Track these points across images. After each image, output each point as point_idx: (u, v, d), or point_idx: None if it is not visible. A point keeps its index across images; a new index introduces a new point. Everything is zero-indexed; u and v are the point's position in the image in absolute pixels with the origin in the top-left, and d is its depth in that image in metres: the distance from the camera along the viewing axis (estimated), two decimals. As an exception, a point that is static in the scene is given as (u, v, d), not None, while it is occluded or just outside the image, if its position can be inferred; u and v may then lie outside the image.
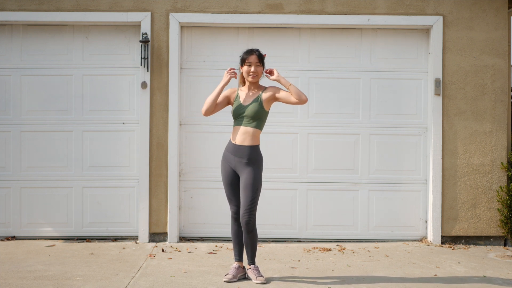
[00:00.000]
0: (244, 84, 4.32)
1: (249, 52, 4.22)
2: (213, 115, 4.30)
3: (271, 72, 4.25)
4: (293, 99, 4.14)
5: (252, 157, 4.16)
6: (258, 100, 4.18)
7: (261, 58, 4.21)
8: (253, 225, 4.15)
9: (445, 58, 5.61)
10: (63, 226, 5.68)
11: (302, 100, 4.12)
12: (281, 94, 4.20)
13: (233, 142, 4.20)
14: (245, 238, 4.21)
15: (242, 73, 4.27)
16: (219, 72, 5.67)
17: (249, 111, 4.15)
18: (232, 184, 4.24)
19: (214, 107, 4.24)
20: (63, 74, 5.69)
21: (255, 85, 4.26)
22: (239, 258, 4.32)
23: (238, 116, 4.19)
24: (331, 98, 5.72)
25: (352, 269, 4.62)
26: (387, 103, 5.74)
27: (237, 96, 4.26)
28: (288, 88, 4.15)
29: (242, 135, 4.16)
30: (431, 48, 5.64)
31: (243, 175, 4.16)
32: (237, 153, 4.17)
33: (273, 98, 4.22)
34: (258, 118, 4.17)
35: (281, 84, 4.19)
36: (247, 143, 4.16)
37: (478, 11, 5.59)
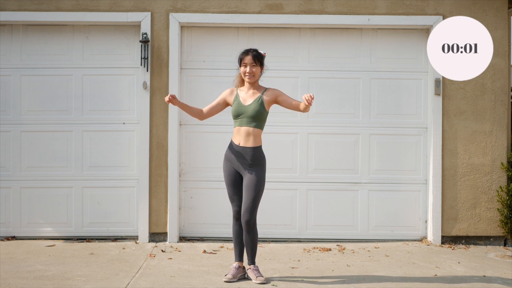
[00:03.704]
0: (242, 84, 4.31)
1: (245, 52, 4.20)
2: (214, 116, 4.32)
3: (308, 101, 3.93)
4: (299, 106, 4.09)
5: (256, 158, 4.16)
6: (259, 100, 4.17)
7: (257, 58, 4.17)
8: (253, 225, 4.15)
9: (445, 58, 5.61)
10: (63, 226, 5.68)
11: (306, 112, 4.11)
12: (284, 98, 4.20)
13: (237, 144, 4.18)
14: (245, 237, 4.21)
15: (240, 74, 4.27)
16: (219, 72, 5.67)
17: (250, 111, 4.13)
18: (235, 184, 4.22)
19: (207, 114, 4.29)
20: (63, 74, 5.69)
21: (255, 85, 4.24)
22: (239, 258, 4.31)
23: (239, 115, 4.17)
24: (331, 98, 5.72)
25: (352, 269, 4.62)
26: (387, 103, 5.74)
27: (237, 96, 4.23)
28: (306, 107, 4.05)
29: (245, 137, 4.15)
30: (431, 48, 5.64)
31: (247, 175, 4.15)
32: (241, 155, 4.16)
33: (274, 100, 4.22)
34: (259, 118, 4.16)
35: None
36: (250, 144, 4.15)
37: (478, 11, 5.59)
